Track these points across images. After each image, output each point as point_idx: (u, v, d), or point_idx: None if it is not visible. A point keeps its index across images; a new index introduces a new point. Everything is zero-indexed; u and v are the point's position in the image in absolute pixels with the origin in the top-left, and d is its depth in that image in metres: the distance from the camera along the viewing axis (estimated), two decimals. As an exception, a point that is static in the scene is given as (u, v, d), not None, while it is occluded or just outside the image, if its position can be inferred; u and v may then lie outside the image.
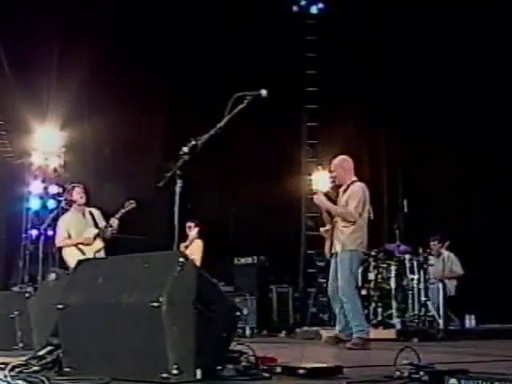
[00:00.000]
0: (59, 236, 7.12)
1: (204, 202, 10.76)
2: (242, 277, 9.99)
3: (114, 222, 7.09)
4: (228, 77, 9.89)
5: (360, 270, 8.41)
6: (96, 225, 7.16)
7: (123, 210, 7.14)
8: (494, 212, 10.49)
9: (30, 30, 9.55)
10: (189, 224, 9.07)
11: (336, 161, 6.13)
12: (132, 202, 7.20)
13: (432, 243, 9.11)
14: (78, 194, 7.16)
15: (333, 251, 6.02)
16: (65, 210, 7.48)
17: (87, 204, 7.27)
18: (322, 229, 6.26)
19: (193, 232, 9.04)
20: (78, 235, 7.07)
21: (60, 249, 7.17)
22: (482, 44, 10.24)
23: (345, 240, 5.93)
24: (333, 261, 6.06)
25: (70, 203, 7.23)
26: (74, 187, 7.26)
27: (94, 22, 9.92)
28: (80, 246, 7.01)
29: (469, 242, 9.84)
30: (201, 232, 9.13)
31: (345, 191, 6.04)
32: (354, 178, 6.12)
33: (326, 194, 6.24)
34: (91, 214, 7.20)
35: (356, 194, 5.95)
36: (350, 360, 4.42)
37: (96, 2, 9.84)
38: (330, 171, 6.15)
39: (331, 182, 6.29)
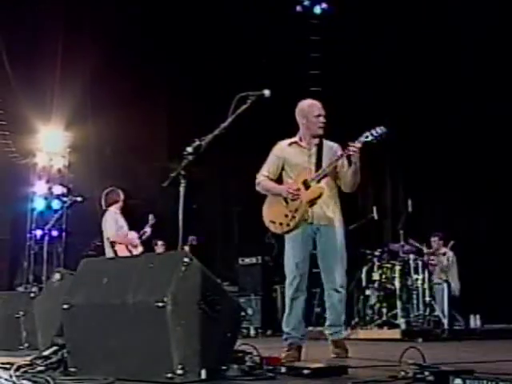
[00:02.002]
0: (113, 230, 7.14)
1: (209, 202, 10.77)
2: (247, 277, 10.00)
3: (148, 230, 7.53)
4: (231, 77, 9.89)
5: (364, 269, 8.45)
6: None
7: (151, 222, 7.49)
8: (498, 212, 10.47)
9: (34, 31, 9.57)
10: (160, 242, 9.03)
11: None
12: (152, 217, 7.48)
13: (432, 239, 9.11)
14: (122, 196, 7.28)
15: (311, 221, 4.47)
16: (104, 211, 7.43)
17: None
18: (297, 187, 4.48)
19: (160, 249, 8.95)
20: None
21: (112, 243, 7.20)
22: (484, 42, 10.23)
23: (338, 210, 4.59)
24: (303, 234, 4.48)
25: (114, 204, 7.26)
26: (117, 189, 7.36)
27: (98, 23, 9.94)
28: (129, 246, 7.09)
29: (473, 242, 9.82)
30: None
31: (320, 145, 4.68)
32: None
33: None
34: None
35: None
36: (355, 360, 4.41)
37: (99, 3, 9.86)
38: (320, 115, 4.74)
39: (320, 128, 4.71)
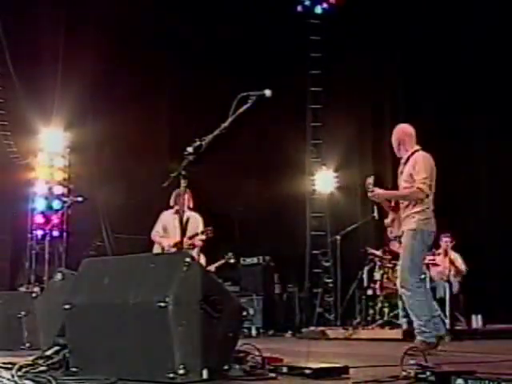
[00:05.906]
0: (154, 230, 7.07)
1: (210, 202, 10.75)
2: (248, 277, 10.00)
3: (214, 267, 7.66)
4: (232, 76, 9.89)
5: (366, 269, 8.45)
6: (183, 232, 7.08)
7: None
8: (501, 211, 10.45)
9: (36, 33, 9.58)
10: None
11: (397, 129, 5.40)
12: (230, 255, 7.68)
13: (444, 239, 8.90)
14: (189, 201, 7.02)
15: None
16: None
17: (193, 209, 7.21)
18: (386, 221, 5.54)
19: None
20: (170, 237, 6.98)
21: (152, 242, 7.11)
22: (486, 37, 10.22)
23: (409, 220, 5.21)
24: None
25: (177, 205, 7.08)
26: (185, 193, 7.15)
27: (99, 24, 9.95)
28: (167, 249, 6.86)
29: (476, 242, 9.81)
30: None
31: (405, 163, 5.29)
32: (417, 147, 5.36)
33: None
34: (187, 220, 6.95)
35: (420, 163, 5.23)
36: (357, 360, 4.41)
37: (100, 4, 9.86)
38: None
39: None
